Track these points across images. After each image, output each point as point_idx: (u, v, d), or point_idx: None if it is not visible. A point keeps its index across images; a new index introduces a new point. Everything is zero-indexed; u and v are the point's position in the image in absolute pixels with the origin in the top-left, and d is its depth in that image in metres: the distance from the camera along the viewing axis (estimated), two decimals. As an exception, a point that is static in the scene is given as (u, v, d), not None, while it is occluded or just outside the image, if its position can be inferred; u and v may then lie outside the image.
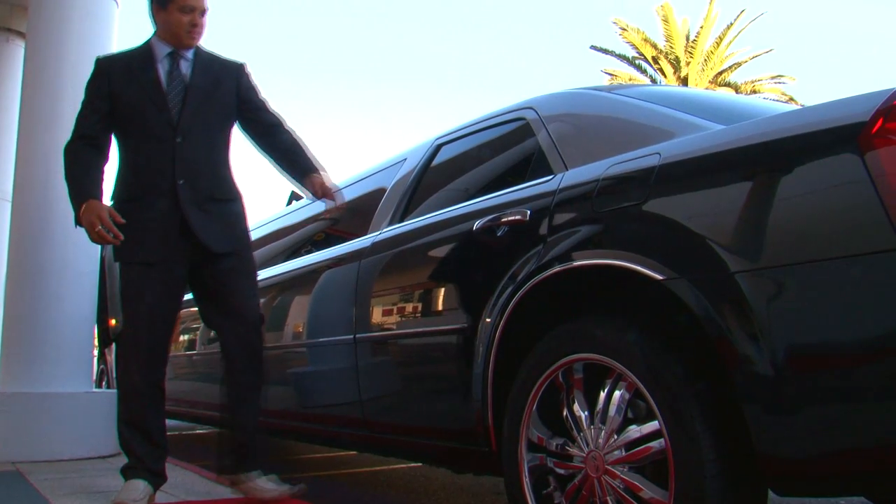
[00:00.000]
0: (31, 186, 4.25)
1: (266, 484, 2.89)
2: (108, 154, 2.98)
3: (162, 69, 2.93)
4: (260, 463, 2.96)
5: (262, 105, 3.10)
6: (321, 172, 3.06)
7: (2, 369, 4.31)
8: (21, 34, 6.69)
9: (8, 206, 5.11)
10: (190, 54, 2.99)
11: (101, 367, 6.27)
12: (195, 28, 2.94)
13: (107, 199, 2.92)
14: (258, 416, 3.01)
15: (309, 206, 4.16)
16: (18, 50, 6.85)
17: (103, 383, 6.21)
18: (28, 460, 3.84)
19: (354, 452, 4.04)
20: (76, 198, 2.84)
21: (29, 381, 4.01)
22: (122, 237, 2.78)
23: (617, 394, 1.90)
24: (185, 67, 2.96)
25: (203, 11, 2.95)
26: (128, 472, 2.82)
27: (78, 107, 2.97)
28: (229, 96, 3.02)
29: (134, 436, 2.82)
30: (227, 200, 2.99)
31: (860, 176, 1.50)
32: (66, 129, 3.26)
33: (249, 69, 3.12)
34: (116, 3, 4.57)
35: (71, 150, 2.93)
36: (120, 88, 2.91)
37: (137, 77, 2.92)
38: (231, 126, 3.07)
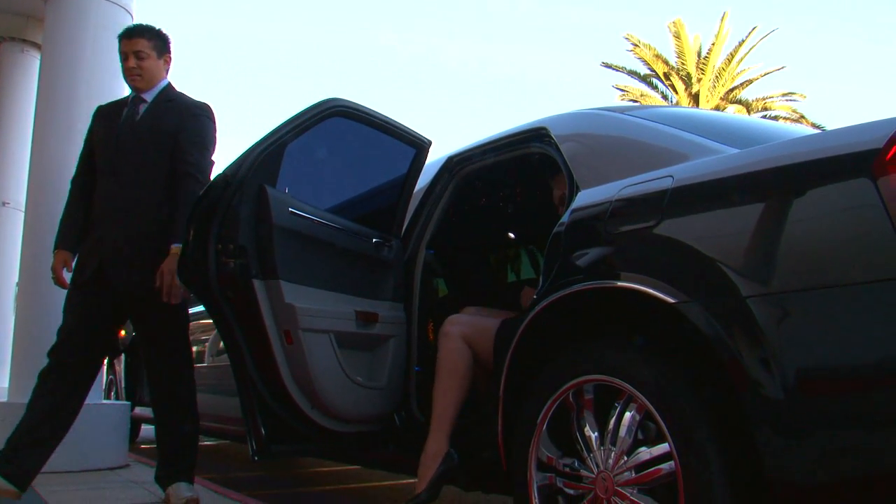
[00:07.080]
0: (45, 196, 4.26)
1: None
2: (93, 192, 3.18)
3: (126, 112, 3.17)
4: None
5: (183, 148, 3.06)
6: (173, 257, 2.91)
7: (12, 380, 4.33)
8: (37, 45, 6.75)
9: (21, 216, 5.14)
10: (150, 96, 3.18)
11: (110, 377, 6.29)
12: (129, 71, 3.16)
13: None
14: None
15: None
16: (34, 61, 6.92)
17: (112, 394, 6.22)
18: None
19: (359, 467, 4.02)
20: (55, 244, 3.17)
21: (39, 391, 4.01)
22: (66, 288, 3.12)
23: (627, 415, 1.89)
24: (142, 110, 3.16)
25: (136, 53, 3.15)
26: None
27: (91, 117, 3.11)
28: (170, 136, 3.07)
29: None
30: (157, 239, 3.00)
31: (873, 202, 1.50)
32: (79, 140, 3.32)
33: (206, 113, 3.16)
34: (131, 15, 4.60)
35: (69, 192, 3.25)
36: (97, 131, 3.20)
37: (110, 120, 3.18)
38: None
